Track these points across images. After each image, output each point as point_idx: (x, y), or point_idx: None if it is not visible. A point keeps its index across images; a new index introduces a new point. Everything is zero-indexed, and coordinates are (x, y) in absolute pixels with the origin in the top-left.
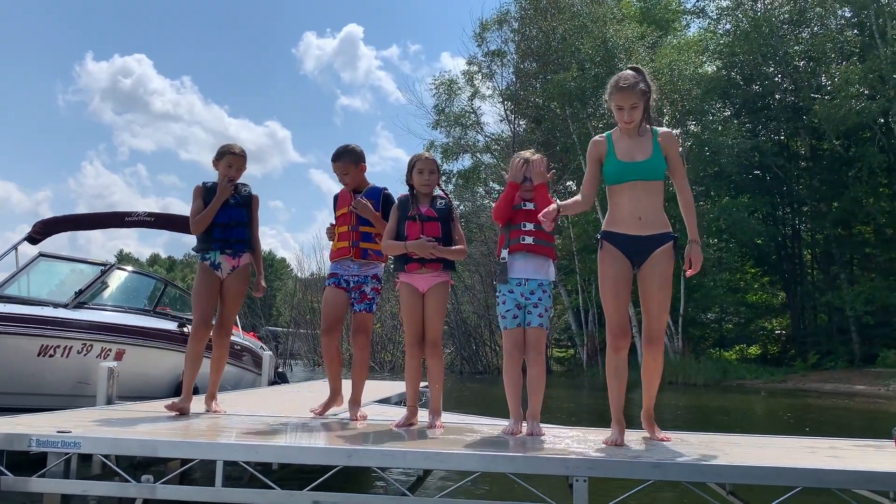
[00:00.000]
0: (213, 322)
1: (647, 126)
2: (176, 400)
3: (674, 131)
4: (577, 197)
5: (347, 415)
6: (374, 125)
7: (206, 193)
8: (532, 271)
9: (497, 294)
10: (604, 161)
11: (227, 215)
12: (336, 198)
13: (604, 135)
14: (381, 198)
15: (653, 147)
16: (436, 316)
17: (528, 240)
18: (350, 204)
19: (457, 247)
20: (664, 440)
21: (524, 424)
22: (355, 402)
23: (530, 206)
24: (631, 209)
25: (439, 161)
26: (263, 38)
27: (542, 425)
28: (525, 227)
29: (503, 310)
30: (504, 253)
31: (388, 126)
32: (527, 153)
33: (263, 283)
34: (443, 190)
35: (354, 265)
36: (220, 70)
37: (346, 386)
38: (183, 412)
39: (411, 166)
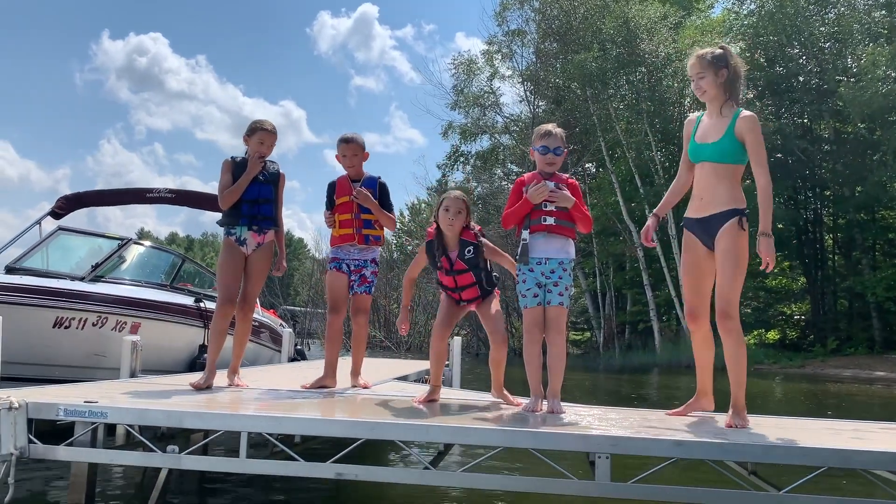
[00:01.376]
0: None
1: (734, 107)
2: (200, 377)
3: (750, 113)
4: (674, 184)
5: (357, 389)
6: (389, 105)
7: (235, 168)
8: (553, 251)
9: (517, 273)
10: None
11: (255, 191)
12: (333, 186)
13: (697, 113)
14: (377, 187)
15: (727, 129)
16: (496, 318)
17: (550, 220)
18: (350, 193)
19: (505, 260)
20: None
21: (544, 402)
22: (356, 372)
23: (551, 185)
24: (697, 191)
25: (457, 142)
26: (278, 17)
27: (562, 404)
28: (546, 206)
29: (523, 288)
30: (525, 233)
31: (402, 106)
32: (549, 126)
33: (285, 264)
34: (471, 230)
35: (355, 250)
36: (234, 49)
37: (341, 364)
38: (208, 389)
39: (439, 203)
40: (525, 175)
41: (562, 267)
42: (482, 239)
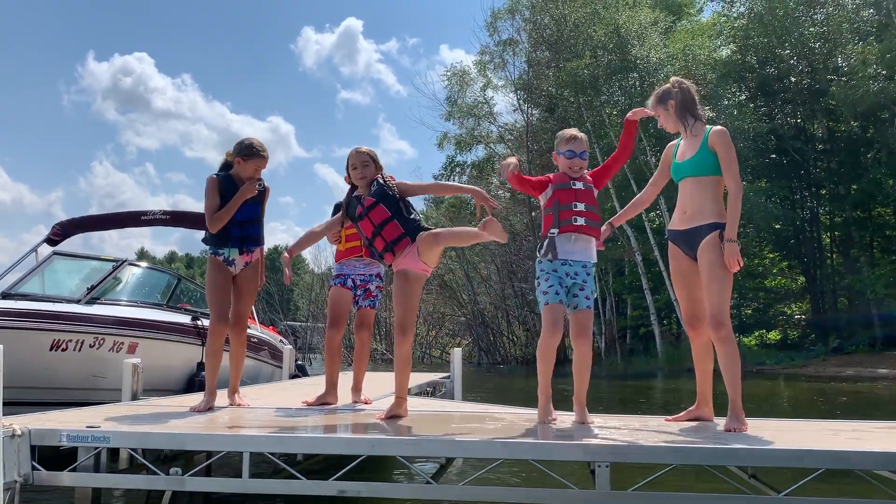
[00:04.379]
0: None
1: (703, 125)
2: (200, 401)
3: (720, 127)
4: (636, 197)
5: (361, 405)
6: (376, 118)
7: (222, 187)
8: (580, 253)
9: (538, 272)
10: (670, 163)
11: (245, 213)
12: (339, 207)
13: (677, 140)
14: None
15: (701, 144)
16: (408, 289)
17: (580, 221)
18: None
19: (430, 187)
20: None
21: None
22: (357, 388)
23: (579, 185)
24: (680, 205)
25: (452, 152)
26: (262, 33)
27: (561, 413)
28: (576, 207)
29: (546, 286)
30: (554, 231)
31: (390, 118)
32: (573, 130)
33: (263, 279)
34: (382, 177)
35: (361, 264)
36: (219, 67)
37: (343, 380)
38: (209, 410)
39: (347, 163)
40: (550, 175)
41: (585, 270)
42: (391, 180)
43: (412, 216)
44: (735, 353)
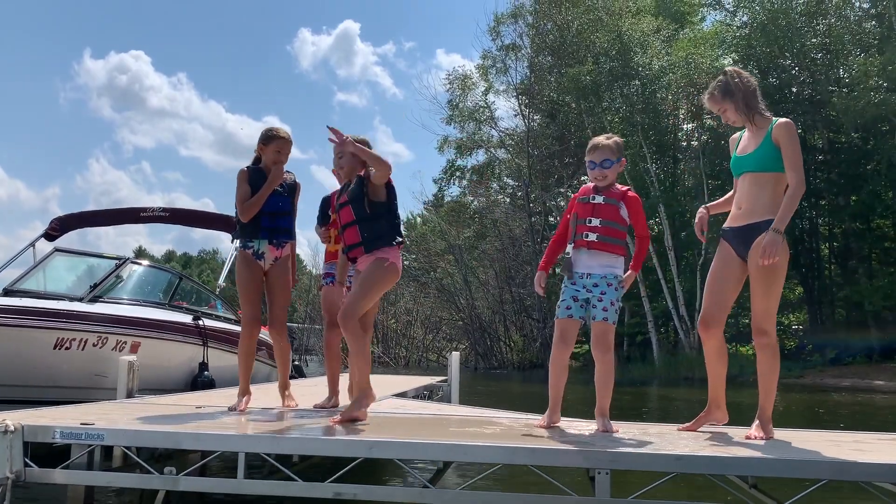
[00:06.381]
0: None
1: (768, 117)
2: (239, 401)
3: (785, 120)
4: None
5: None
6: (372, 120)
7: (251, 177)
8: (597, 267)
9: (562, 286)
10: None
11: (275, 203)
12: (327, 200)
13: (741, 131)
14: None
15: (764, 138)
16: (356, 288)
17: (591, 237)
18: None
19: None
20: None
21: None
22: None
23: (599, 199)
24: (738, 201)
25: (452, 156)
26: (257, 34)
27: (566, 419)
28: (590, 222)
29: (560, 300)
30: (568, 247)
31: (385, 121)
32: (600, 138)
33: (296, 278)
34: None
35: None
36: (215, 66)
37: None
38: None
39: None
40: (582, 188)
41: (605, 281)
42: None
43: (377, 229)
44: (775, 363)
